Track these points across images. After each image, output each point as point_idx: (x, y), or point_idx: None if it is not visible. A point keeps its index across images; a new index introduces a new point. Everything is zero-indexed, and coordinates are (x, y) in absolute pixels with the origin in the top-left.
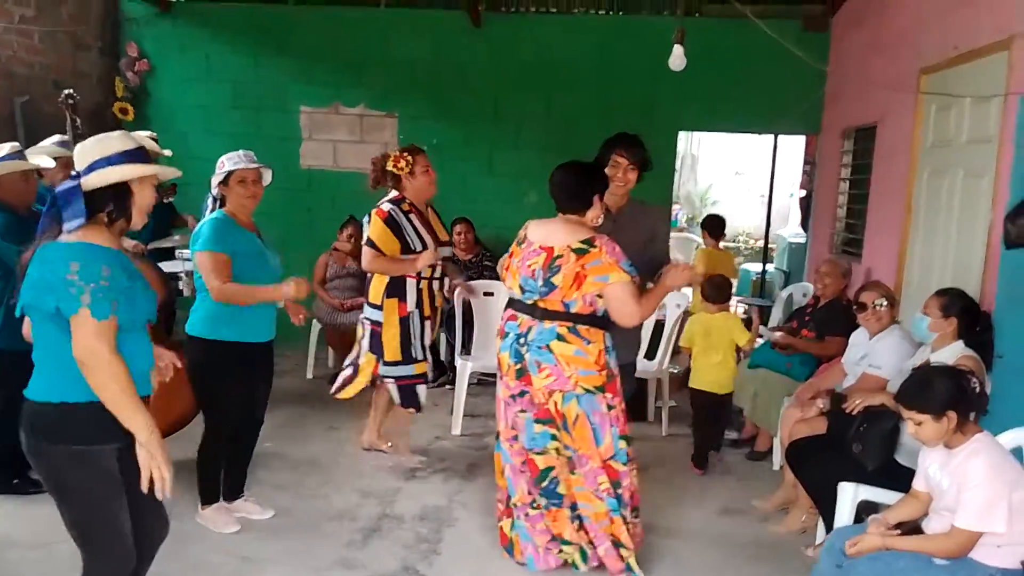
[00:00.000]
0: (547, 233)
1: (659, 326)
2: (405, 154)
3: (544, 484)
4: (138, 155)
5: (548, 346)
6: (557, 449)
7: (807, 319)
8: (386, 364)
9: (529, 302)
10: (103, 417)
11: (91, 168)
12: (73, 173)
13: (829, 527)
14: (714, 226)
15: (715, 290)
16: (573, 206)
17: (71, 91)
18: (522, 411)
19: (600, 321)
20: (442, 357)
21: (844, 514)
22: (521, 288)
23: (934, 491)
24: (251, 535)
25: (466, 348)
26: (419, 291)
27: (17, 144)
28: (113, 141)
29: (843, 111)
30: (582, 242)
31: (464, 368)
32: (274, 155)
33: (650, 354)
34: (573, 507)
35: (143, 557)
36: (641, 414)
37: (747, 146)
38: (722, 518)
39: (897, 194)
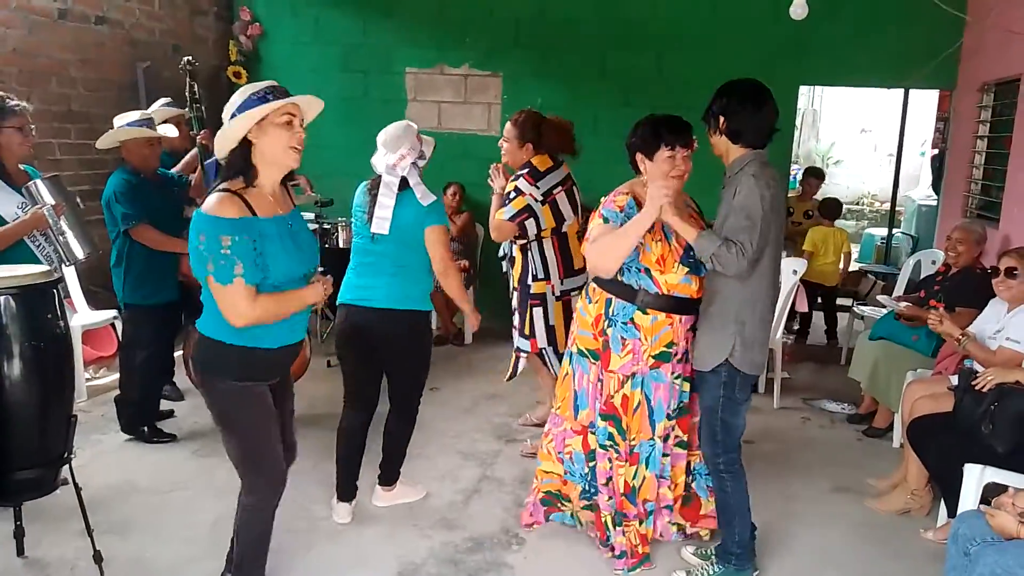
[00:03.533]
0: None
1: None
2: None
3: None
4: (247, 105)
5: None
6: None
7: (936, 289)
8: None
9: None
10: (253, 359)
11: (219, 144)
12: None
13: (952, 511)
14: (831, 209)
15: (829, 210)
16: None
17: (190, 58)
18: None
19: (607, 284)
20: None
21: (969, 498)
22: None
23: None
24: None
25: None
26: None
27: (148, 112)
28: (227, 115)
29: (982, 63)
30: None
31: None
32: (381, 117)
33: None
34: None
35: None
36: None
37: (874, 102)
38: (834, 495)
39: None
